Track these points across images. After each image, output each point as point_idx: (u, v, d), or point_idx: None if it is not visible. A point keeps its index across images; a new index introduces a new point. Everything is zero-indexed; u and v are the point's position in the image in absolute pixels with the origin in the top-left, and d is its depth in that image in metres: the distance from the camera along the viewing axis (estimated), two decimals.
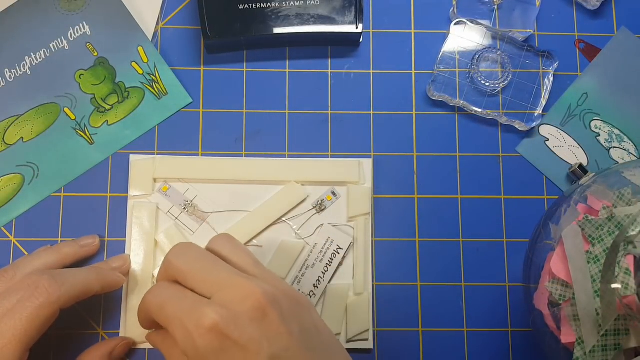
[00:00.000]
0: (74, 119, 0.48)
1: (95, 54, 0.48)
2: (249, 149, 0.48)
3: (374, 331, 0.46)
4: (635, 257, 0.34)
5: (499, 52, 0.50)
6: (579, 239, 0.37)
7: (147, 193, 0.47)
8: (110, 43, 0.48)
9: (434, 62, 0.50)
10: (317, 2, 0.48)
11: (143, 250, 0.46)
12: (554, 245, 0.39)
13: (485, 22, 0.50)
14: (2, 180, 0.46)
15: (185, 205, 0.47)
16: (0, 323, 0.37)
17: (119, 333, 0.45)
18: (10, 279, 0.40)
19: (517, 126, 0.49)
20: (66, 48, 0.48)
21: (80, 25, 0.49)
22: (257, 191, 0.47)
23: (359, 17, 0.48)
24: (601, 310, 0.35)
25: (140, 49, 0.49)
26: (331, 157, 0.48)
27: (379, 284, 0.47)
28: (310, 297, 0.46)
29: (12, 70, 0.48)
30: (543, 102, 0.49)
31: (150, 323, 0.37)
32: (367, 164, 0.48)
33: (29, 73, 0.48)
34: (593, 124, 0.50)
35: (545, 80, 0.50)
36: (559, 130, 0.50)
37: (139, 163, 0.47)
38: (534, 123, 0.49)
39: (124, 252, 0.46)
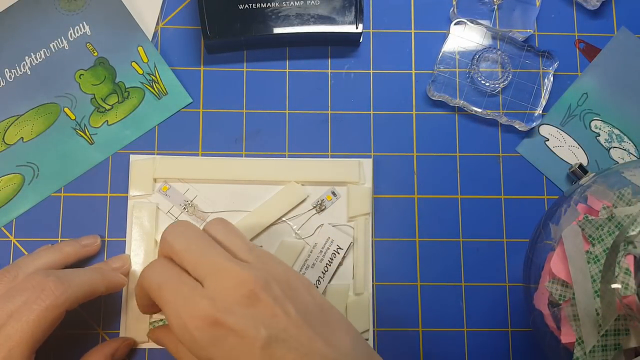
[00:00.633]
0: (74, 119, 0.48)
1: (95, 54, 0.48)
2: (249, 149, 0.48)
3: (374, 331, 0.46)
4: (635, 257, 0.34)
5: (499, 52, 0.50)
6: (579, 239, 0.37)
7: (147, 193, 0.47)
8: (110, 43, 0.48)
9: (434, 62, 0.50)
10: (317, 2, 0.48)
11: (143, 250, 0.46)
12: (554, 245, 0.39)
13: (485, 22, 0.50)
14: (2, 180, 0.46)
15: (186, 205, 0.47)
16: (7, 325, 0.36)
17: (119, 333, 0.45)
18: (12, 279, 0.40)
19: (517, 126, 0.49)
20: (66, 48, 0.48)
21: (80, 25, 0.49)
22: (257, 191, 0.47)
23: (359, 17, 0.48)
24: (601, 310, 0.35)
25: (140, 49, 0.49)
26: (331, 157, 0.48)
27: (379, 284, 0.47)
28: None
29: (12, 70, 0.48)
30: (543, 102, 0.49)
31: (147, 299, 0.37)
32: (367, 164, 0.48)
33: (29, 73, 0.48)
34: (593, 124, 0.50)
35: (545, 80, 0.50)
36: (559, 130, 0.50)
37: (139, 163, 0.47)
38: (534, 123, 0.49)
39: (124, 252, 0.46)
